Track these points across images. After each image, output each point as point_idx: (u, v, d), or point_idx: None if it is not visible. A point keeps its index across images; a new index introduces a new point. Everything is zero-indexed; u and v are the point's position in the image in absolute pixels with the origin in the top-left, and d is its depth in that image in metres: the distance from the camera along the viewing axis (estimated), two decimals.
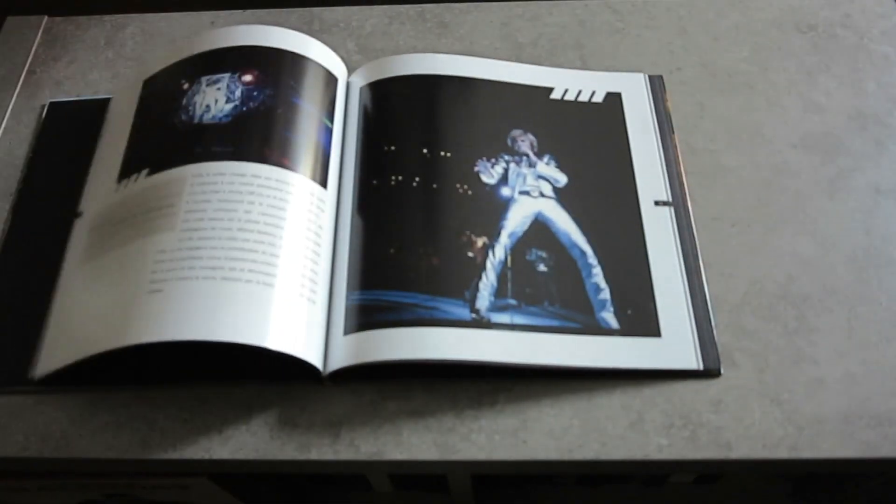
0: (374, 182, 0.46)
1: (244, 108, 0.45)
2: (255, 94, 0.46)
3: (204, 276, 0.39)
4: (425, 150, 0.47)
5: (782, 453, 0.40)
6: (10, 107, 0.54)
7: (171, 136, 0.45)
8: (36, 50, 0.57)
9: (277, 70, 0.47)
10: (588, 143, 0.49)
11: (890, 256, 0.45)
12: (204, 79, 0.47)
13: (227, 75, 0.47)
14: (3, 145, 0.52)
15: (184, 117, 0.45)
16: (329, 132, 0.48)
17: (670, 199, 0.47)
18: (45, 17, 0.59)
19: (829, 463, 0.40)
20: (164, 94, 0.48)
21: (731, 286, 0.45)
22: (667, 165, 0.48)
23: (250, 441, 0.41)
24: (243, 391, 0.43)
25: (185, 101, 0.46)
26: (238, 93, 0.46)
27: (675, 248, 0.45)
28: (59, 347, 0.42)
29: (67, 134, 0.52)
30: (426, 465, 0.41)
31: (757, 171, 0.49)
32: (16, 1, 0.61)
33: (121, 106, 0.51)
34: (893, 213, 0.47)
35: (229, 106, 0.45)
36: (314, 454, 0.41)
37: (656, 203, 0.47)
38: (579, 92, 0.51)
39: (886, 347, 0.43)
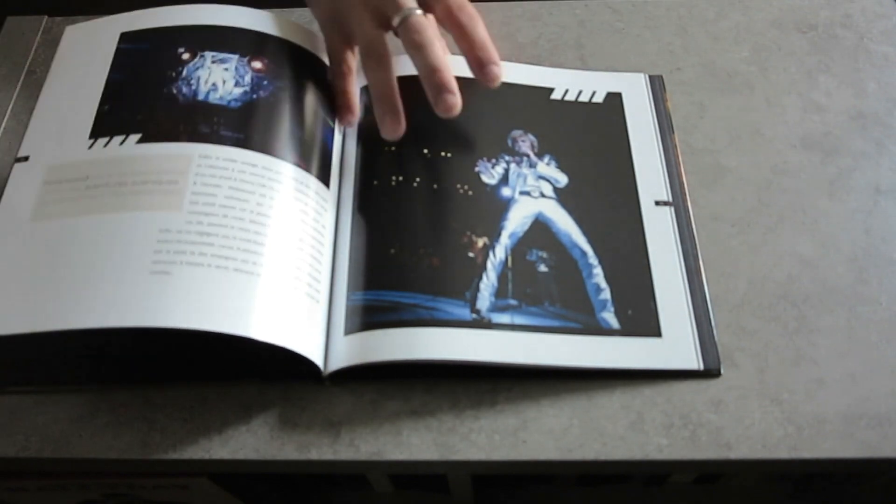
0: (375, 182, 0.46)
1: (254, 97, 0.44)
2: (264, 83, 0.45)
3: (217, 265, 0.38)
4: (426, 151, 0.47)
5: (782, 453, 0.40)
6: (10, 107, 0.54)
7: (168, 106, 0.44)
8: (36, 50, 0.57)
9: (287, 63, 0.47)
10: (588, 144, 0.49)
11: (890, 256, 0.45)
12: (209, 54, 0.45)
13: (235, 57, 0.45)
14: (3, 145, 0.52)
15: (185, 90, 0.44)
16: (332, 131, 0.48)
17: (670, 199, 0.47)
18: (45, 17, 0.59)
19: (829, 463, 0.40)
20: (158, 57, 0.46)
21: (731, 286, 0.45)
22: (667, 165, 0.48)
23: (250, 441, 0.41)
24: (243, 391, 0.43)
25: (185, 73, 0.45)
26: (248, 78, 0.45)
27: (675, 248, 0.45)
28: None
29: None
30: (426, 465, 0.41)
31: (757, 171, 0.49)
32: (16, 1, 0.61)
33: (84, 49, 0.47)
34: (893, 213, 0.47)
35: (239, 91, 0.44)
36: (314, 454, 0.41)
37: (656, 203, 0.47)
38: (579, 92, 0.51)
39: (886, 347, 0.43)
